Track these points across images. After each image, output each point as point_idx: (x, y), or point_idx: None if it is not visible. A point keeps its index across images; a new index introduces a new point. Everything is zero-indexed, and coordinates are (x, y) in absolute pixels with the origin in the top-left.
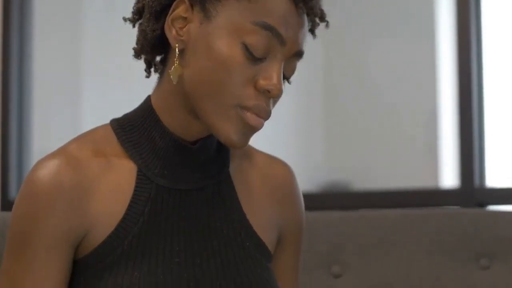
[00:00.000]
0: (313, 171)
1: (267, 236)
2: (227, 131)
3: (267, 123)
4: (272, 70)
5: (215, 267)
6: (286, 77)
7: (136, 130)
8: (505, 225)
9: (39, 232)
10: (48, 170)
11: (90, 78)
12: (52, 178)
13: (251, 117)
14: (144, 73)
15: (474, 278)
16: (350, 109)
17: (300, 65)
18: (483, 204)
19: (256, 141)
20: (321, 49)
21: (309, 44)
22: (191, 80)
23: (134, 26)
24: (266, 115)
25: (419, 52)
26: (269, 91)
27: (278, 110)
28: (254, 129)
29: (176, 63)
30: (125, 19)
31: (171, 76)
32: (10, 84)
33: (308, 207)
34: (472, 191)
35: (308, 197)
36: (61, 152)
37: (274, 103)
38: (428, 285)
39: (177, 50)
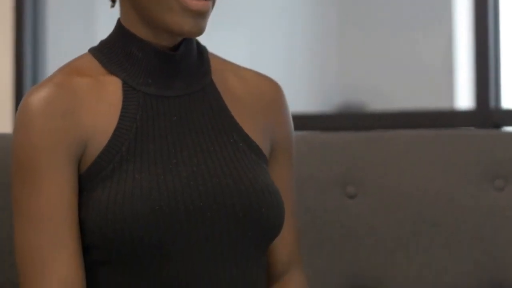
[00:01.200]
0: (328, 92)
1: (259, 141)
2: (176, 23)
3: (281, 46)
4: None
5: (213, 166)
6: None
7: (113, 50)
8: None
9: (40, 154)
10: (37, 96)
11: None
12: (42, 101)
13: (191, 3)
14: None
15: (488, 199)
16: (366, 29)
17: None
18: (498, 126)
19: (271, 64)
20: None
21: None
22: None
23: None
24: None
25: None
26: None
27: (292, 32)
28: (200, 13)
29: None
30: None
31: None
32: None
33: (323, 128)
34: (488, 112)
35: (323, 118)
36: (47, 80)
37: None
38: (442, 206)
39: None
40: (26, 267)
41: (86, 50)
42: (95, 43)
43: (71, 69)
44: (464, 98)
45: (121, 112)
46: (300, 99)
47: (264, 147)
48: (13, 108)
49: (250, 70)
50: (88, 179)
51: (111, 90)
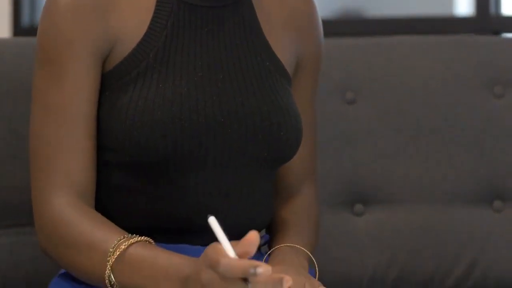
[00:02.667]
0: None
1: (286, 60)
2: None
3: None
4: None
5: (237, 83)
6: None
7: None
8: None
9: (64, 44)
10: None
11: None
12: None
13: None
14: None
15: (487, 106)
16: None
17: None
18: (498, 32)
19: None
20: None
21: None
22: None
23: None
24: None
25: None
26: None
27: None
28: None
29: None
30: None
31: None
32: None
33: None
34: (488, 18)
35: (322, 24)
36: None
37: None
38: (441, 112)
39: None
40: (38, 155)
41: None
42: None
43: None
44: (464, 4)
45: (153, 16)
46: None
47: (290, 64)
48: (10, 12)
49: None
50: (111, 80)
51: None
